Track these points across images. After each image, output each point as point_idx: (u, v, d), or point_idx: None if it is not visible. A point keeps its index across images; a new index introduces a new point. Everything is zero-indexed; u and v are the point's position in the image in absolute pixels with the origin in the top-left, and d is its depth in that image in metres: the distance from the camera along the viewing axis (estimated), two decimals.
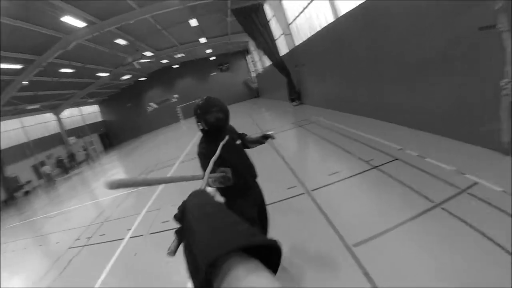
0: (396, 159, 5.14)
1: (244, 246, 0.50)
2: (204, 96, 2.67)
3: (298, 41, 15.07)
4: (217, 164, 2.33)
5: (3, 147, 21.72)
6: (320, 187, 5.10)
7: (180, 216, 0.75)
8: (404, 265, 2.82)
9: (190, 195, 0.82)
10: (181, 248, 0.72)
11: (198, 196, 0.81)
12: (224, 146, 2.54)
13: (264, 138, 2.99)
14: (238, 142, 2.87)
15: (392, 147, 5.71)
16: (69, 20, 13.19)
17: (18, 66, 15.76)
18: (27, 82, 17.75)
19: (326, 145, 7.37)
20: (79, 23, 13.99)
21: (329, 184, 5.10)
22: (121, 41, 19.02)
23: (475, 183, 3.69)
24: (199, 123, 2.63)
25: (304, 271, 3.19)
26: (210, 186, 2.31)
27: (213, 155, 2.43)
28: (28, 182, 22.74)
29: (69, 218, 9.39)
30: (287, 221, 4.33)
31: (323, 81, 12.06)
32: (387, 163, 5.12)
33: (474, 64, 4.37)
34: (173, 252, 0.82)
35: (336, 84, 10.65)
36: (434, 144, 5.29)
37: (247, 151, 3.02)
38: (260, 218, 3.07)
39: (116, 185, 0.61)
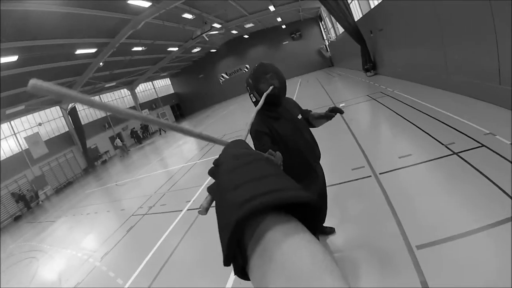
0: (483, 146, 4.19)
1: (274, 204, 0.42)
2: (256, 64, 2.34)
3: (374, 2, 13.72)
4: (272, 142, 2.18)
5: (86, 121, 25.54)
6: (388, 171, 4.50)
7: (215, 170, 0.64)
8: (474, 281, 2.24)
9: (226, 145, 0.71)
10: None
11: (236, 146, 0.70)
12: (278, 125, 2.26)
13: (332, 112, 2.42)
14: (299, 116, 2.47)
15: (479, 130, 4.69)
16: (135, 1, 14.17)
17: (93, 50, 17.41)
18: (102, 63, 19.60)
19: (399, 123, 6.48)
20: (145, 3, 14.88)
21: (399, 168, 4.46)
22: (188, 16, 19.48)
23: None
24: (251, 95, 2.31)
25: (355, 263, 2.91)
26: None
27: (267, 132, 2.18)
28: (106, 152, 26.03)
29: (137, 186, 10.20)
30: (347, 207, 3.97)
31: (402, 48, 10.58)
32: (470, 149, 4.22)
33: None
34: (205, 210, 0.70)
35: (418, 51, 9.12)
36: None
37: None
38: None
39: (39, 89, 0.36)
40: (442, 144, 4.69)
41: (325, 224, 3.45)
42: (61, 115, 24.03)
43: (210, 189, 0.65)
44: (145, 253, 5.00)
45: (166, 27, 19.95)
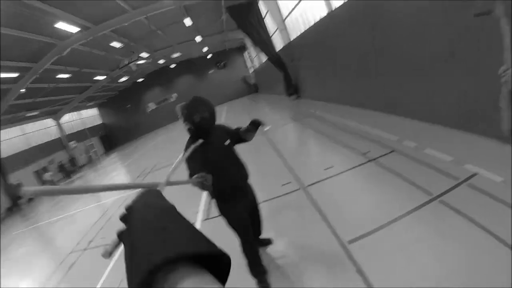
0: (393, 151, 5.00)
1: (189, 254, 0.45)
2: (191, 97, 2.62)
3: (293, 35, 14.91)
4: (202, 167, 2.29)
5: (5, 155, 21.55)
6: (315, 183, 4.99)
7: (127, 216, 0.64)
8: (400, 261, 2.71)
9: (139, 194, 0.72)
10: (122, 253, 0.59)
11: (149, 195, 0.71)
12: (208, 150, 2.51)
13: (253, 124, 2.82)
14: (227, 142, 2.75)
15: (389, 138, 5.58)
16: (63, 26, 13.31)
17: (15, 75, 15.78)
18: (24, 90, 17.75)
19: (322, 139, 7.28)
20: (73, 29, 14.07)
21: (325, 179, 5.00)
22: (116, 44, 19.00)
23: (475, 174, 3.56)
24: (185, 123, 2.58)
25: (298, 269, 3.13)
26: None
27: (194, 154, 2.33)
28: None
29: (71, 222, 9.46)
30: (281, 218, 4.26)
31: (319, 74, 11.92)
32: (384, 155, 4.99)
33: (474, 56, 4.20)
34: (108, 254, 0.72)
35: (332, 76, 10.49)
36: (432, 134, 5.14)
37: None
38: (252, 218, 3.05)
39: (30, 193, 0.56)
40: (360, 153, 5.43)
41: (262, 236, 3.59)
42: None
43: (120, 234, 0.63)
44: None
45: (93, 55, 19.18)
